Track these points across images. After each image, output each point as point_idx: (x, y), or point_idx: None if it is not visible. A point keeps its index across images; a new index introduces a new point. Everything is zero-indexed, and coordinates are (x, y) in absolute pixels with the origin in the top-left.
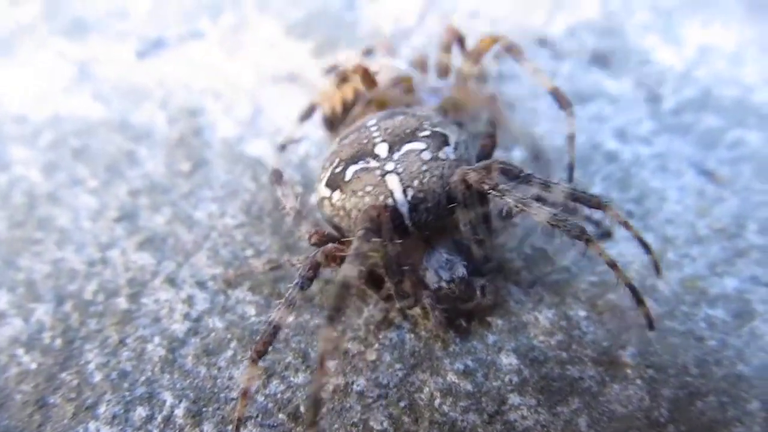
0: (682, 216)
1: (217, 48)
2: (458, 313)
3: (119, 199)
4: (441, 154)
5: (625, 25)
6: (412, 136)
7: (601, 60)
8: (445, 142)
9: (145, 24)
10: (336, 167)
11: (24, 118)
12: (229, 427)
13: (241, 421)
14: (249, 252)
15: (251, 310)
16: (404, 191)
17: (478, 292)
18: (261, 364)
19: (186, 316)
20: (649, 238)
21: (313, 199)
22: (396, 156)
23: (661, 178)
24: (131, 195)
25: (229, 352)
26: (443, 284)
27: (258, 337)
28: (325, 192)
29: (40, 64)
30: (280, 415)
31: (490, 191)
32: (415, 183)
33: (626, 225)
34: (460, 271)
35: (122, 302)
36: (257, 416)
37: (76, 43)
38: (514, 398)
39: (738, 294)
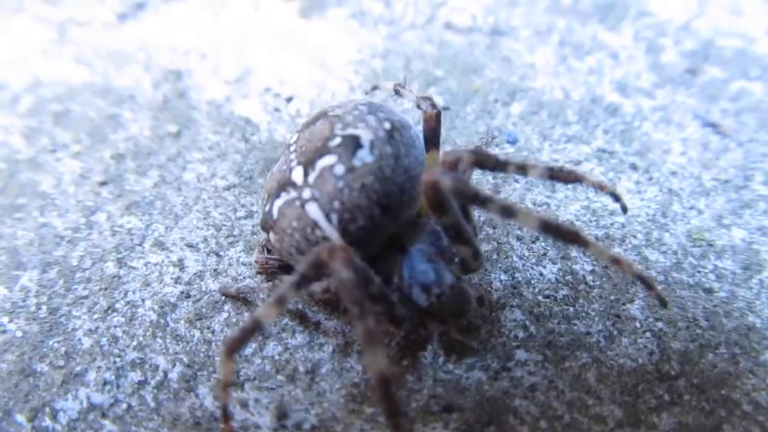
0: (687, 168)
1: (200, 9)
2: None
3: (104, 163)
4: (356, 162)
5: None
6: (323, 150)
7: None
8: (358, 145)
9: None
10: (265, 205)
11: (1, 84)
12: None
13: (227, 408)
14: (241, 213)
15: (245, 271)
16: (327, 218)
17: (474, 303)
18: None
19: (177, 279)
20: (654, 191)
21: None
22: (311, 179)
23: (665, 130)
24: (116, 159)
25: (224, 315)
26: (434, 299)
27: (236, 331)
28: (263, 235)
29: (17, 28)
30: (279, 377)
31: (471, 203)
32: (336, 205)
33: (601, 187)
34: (449, 279)
35: (110, 267)
36: (254, 379)
37: (54, 7)
38: (520, 354)
39: (746, 245)
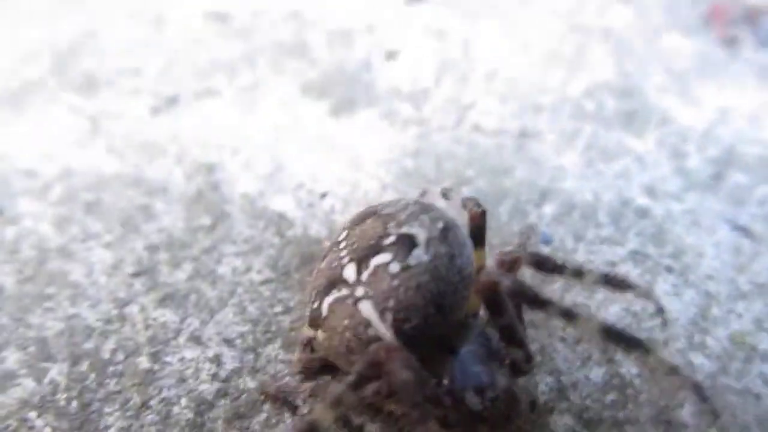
0: (722, 272)
1: (232, 105)
2: None
3: (136, 254)
4: (411, 260)
5: (643, 87)
6: (377, 248)
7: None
8: (413, 244)
9: (158, 81)
10: (313, 302)
11: (33, 172)
12: None
13: None
14: (278, 308)
15: (284, 369)
16: (381, 316)
17: (526, 407)
18: None
19: (214, 376)
20: (691, 294)
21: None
22: (364, 276)
23: (696, 233)
24: (149, 250)
25: (263, 415)
26: (487, 403)
27: None
28: (309, 332)
29: (50, 119)
30: None
31: (530, 305)
32: (391, 303)
33: (647, 297)
34: (503, 382)
35: (144, 361)
36: None
37: (87, 99)
38: None
39: None
